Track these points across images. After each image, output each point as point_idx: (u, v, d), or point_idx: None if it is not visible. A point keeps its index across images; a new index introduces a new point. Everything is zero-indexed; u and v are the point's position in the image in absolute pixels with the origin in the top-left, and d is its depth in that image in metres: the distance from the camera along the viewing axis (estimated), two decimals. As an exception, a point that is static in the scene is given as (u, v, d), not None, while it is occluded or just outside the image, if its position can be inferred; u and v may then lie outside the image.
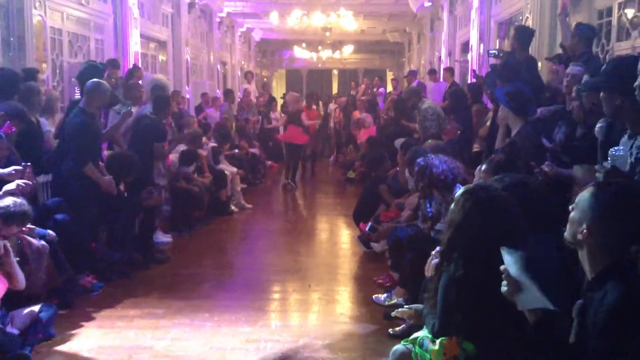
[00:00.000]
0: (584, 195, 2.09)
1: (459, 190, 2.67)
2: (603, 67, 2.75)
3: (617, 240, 2.02)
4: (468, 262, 2.44)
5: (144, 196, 5.85)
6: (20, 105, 5.07)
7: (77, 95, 6.00)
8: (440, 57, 13.55)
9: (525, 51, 5.59)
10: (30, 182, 4.44)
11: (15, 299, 4.02)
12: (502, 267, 2.14)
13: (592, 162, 3.63)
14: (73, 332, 4.15)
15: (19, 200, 3.99)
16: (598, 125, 2.87)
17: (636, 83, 2.22)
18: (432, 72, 12.35)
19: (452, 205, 2.60)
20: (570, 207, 2.15)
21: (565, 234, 2.19)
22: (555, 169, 3.81)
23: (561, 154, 4.08)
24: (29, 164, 4.52)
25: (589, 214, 2.03)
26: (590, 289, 2.09)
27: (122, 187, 5.78)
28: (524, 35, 5.65)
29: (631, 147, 2.37)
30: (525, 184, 2.88)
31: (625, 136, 2.56)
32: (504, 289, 2.11)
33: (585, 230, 2.02)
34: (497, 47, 9.08)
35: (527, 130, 4.46)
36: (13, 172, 4.38)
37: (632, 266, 2.11)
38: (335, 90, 24.55)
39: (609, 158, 2.86)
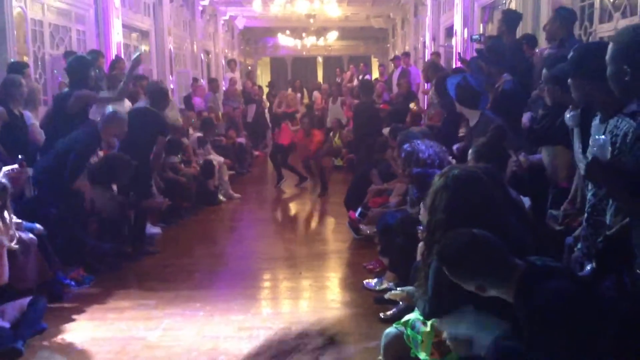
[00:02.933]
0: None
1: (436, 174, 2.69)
2: (570, 54, 2.76)
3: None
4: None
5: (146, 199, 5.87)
6: None
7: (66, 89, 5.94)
8: (424, 42, 13.55)
9: (513, 35, 5.62)
10: (24, 173, 4.48)
11: (4, 293, 4.01)
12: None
13: (558, 142, 3.67)
14: (65, 325, 4.14)
15: None
16: (569, 113, 2.88)
17: (608, 72, 2.24)
18: (406, 55, 12.70)
19: (430, 189, 2.61)
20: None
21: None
22: (529, 160, 3.87)
23: (525, 138, 4.13)
24: (23, 157, 4.61)
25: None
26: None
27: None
28: (512, 18, 5.68)
29: (604, 131, 2.39)
30: (492, 173, 2.92)
31: (597, 120, 2.59)
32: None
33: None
34: (481, 32, 9.12)
35: (486, 118, 4.51)
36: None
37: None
38: (320, 77, 24.48)
39: (590, 147, 2.88)
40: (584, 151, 2.58)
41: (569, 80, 2.71)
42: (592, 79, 2.54)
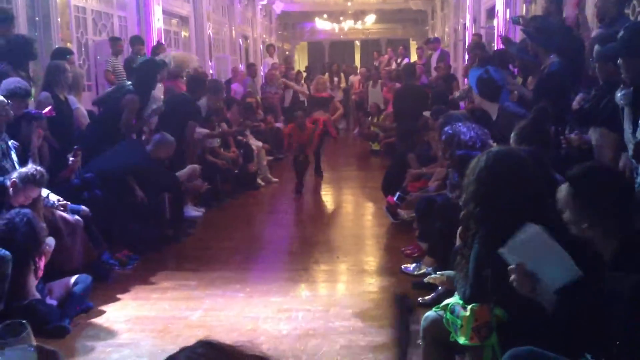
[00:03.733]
0: (561, 193, 2.10)
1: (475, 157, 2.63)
2: (620, 33, 2.66)
3: (613, 221, 2.03)
4: (495, 227, 2.42)
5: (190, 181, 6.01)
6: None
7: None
8: (465, 24, 13.30)
9: (560, 14, 5.46)
10: (78, 162, 4.84)
11: (52, 272, 4.15)
12: (511, 267, 2.15)
13: (603, 124, 3.56)
14: (110, 304, 4.26)
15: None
16: (620, 92, 2.78)
17: None
18: (437, 41, 12.70)
19: (468, 171, 2.56)
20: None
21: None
22: (582, 138, 3.76)
23: (573, 119, 4.02)
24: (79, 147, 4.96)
25: (576, 212, 2.05)
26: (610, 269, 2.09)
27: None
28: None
29: None
30: (535, 156, 2.85)
31: None
32: (516, 285, 2.14)
33: (584, 226, 2.03)
34: (524, 12, 8.88)
35: (506, 111, 4.42)
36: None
37: None
38: (358, 61, 24.30)
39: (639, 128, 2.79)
40: (635, 131, 2.50)
41: (619, 60, 2.63)
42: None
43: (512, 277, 2.15)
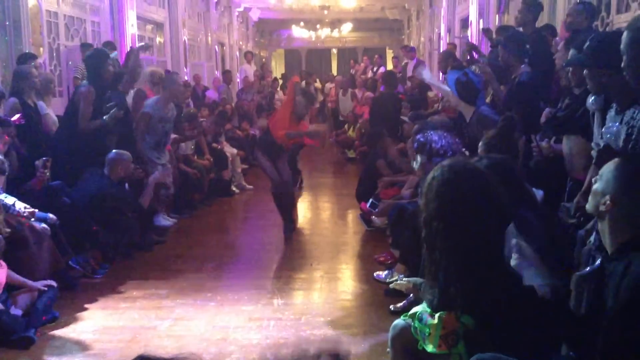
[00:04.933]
0: (609, 167, 2.09)
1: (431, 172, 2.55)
2: (587, 44, 2.70)
3: None
4: (461, 240, 2.39)
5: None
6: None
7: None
8: (439, 33, 13.45)
9: (534, 25, 5.55)
10: (47, 174, 4.78)
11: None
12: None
13: (577, 132, 3.62)
14: (77, 314, 4.18)
15: None
16: (591, 97, 2.83)
17: (623, 64, 2.20)
18: (412, 50, 12.92)
19: (425, 189, 2.49)
20: (592, 179, 2.15)
21: (587, 205, 2.19)
22: (552, 147, 3.81)
23: (545, 126, 4.07)
24: (47, 157, 4.85)
25: (613, 185, 2.04)
26: (610, 260, 2.10)
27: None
28: (536, 8, 5.59)
29: (620, 122, 2.35)
30: (504, 164, 2.87)
31: (612, 112, 2.55)
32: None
33: (608, 202, 2.03)
34: (497, 22, 9.02)
35: (480, 115, 4.46)
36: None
37: None
38: (334, 69, 24.40)
39: (603, 134, 2.84)
40: (602, 138, 2.55)
41: (585, 71, 2.67)
42: (607, 70, 2.49)
43: None
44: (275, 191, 6.18)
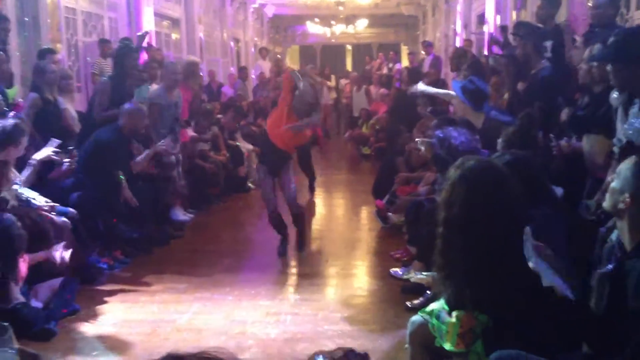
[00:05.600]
0: (626, 164, 2.08)
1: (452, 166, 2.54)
2: (611, 39, 2.68)
3: None
4: (467, 238, 2.39)
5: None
6: None
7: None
8: (455, 29, 13.38)
9: (553, 21, 5.52)
10: (73, 164, 4.78)
11: (38, 275, 4.11)
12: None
13: (599, 131, 3.59)
14: (97, 307, 4.23)
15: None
16: (615, 93, 2.81)
17: None
18: (428, 45, 12.73)
19: (445, 185, 2.49)
20: (609, 177, 2.14)
21: (604, 203, 2.18)
22: (572, 145, 3.78)
23: (565, 125, 4.04)
24: (74, 148, 4.89)
25: (632, 183, 2.02)
26: (629, 258, 2.09)
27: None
28: (554, 2, 5.55)
29: None
30: (525, 160, 2.85)
31: (635, 108, 2.53)
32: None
33: (627, 199, 2.02)
34: (514, 18, 8.96)
35: (494, 120, 4.41)
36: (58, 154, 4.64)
37: None
38: (349, 65, 24.35)
39: (625, 131, 2.81)
40: (625, 134, 2.53)
41: (608, 66, 2.66)
42: (631, 65, 2.48)
43: None
44: (272, 217, 5.48)
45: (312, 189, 8.35)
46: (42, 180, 4.73)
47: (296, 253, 5.59)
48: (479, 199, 2.35)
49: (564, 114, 4.13)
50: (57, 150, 4.64)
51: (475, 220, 2.34)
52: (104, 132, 5.36)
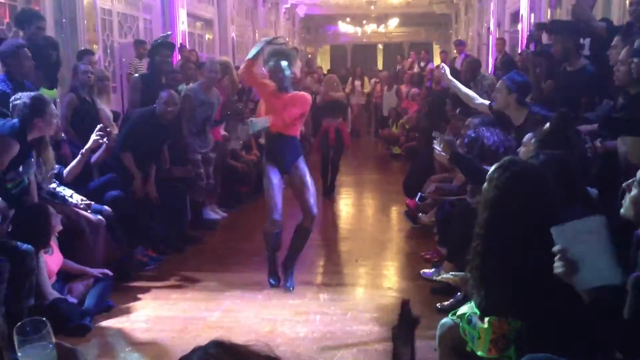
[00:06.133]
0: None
1: (492, 167, 2.49)
2: None
3: None
4: (507, 242, 2.35)
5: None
6: None
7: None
8: (489, 28, 13.21)
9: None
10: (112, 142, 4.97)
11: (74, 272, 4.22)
12: (555, 248, 2.02)
13: (636, 134, 3.51)
14: (130, 304, 4.32)
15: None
16: None
17: None
18: (461, 44, 12.54)
19: (485, 183, 2.45)
20: (625, 185, 2.08)
21: (625, 211, 2.11)
22: (605, 145, 3.71)
23: (600, 127, 3.94)
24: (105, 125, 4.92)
25: None
26: None
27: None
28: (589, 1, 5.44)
29: None
30: (561, 160, 2.80)
31: None
32: (558, 270, 1.99)
33: None
34: (549, 17, 8.80)
35: (536, 115, 4.28)
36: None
37: None
38: (380, 65, 24.25)
39: None
40: None
41: None
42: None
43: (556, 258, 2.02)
44: (271, 229, 4.70)
45: (332, 188, 8.19)
46: (86, 174, 4.90)
47: (326, 252, 5.60)
48: (526, 202, 2.31)
49: (599, 116, 4.05)
50: (101, 133, 4.67)
51: (518, 223, 2.30)
52: (137, 111, 5.73)
